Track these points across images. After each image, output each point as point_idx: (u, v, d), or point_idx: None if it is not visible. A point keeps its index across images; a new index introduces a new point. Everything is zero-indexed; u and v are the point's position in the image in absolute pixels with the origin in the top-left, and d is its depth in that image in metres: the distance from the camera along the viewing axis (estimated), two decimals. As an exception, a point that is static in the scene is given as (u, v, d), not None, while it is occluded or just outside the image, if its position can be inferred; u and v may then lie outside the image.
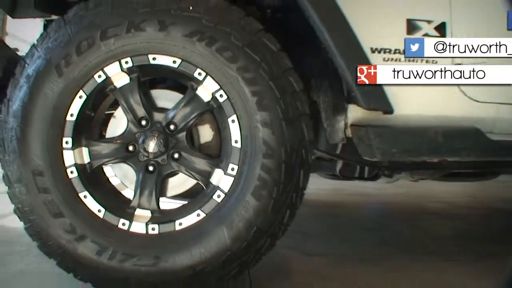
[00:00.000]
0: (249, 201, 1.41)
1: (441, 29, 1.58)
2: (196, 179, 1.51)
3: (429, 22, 1.58)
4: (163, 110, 1.52)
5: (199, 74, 1.43)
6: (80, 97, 1.44)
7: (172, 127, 1.49)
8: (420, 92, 1.61)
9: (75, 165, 1.45)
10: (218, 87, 1.43)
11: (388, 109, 1.56)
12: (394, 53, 1.56)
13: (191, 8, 1.42)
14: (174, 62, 1.42)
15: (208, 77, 1.42)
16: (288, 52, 1.52)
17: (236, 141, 1.44)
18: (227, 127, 1.44)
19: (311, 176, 1.55)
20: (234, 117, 1.43)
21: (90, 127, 1.52)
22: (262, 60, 1.42)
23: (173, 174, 1.54)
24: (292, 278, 1.79)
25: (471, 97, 1.63)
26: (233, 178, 1.44)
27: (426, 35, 1.57)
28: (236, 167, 1.44)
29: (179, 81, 1.52)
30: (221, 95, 1.43)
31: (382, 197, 3.52)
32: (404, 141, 1.58)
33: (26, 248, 1.88)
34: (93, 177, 1.49)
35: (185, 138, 1.50)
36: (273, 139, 1.41)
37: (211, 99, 1.45)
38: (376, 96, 1.53)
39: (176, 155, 1.49)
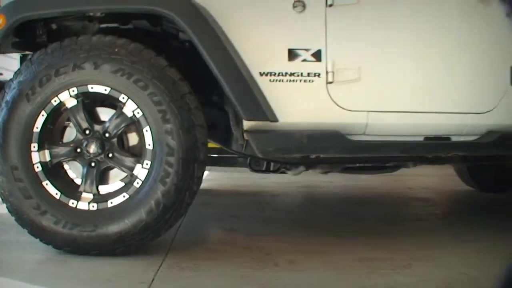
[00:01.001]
0: (157, 186, 2.02)
1: (318, 55, 2.14)
2: (124, 172, 2.13)
3: (307, 50, 2.14)
4: (102, 122, 2.15)
5: (123, 98, 2.04)
6: (43, 115, 2.07)
7: (107, 134, 2.11)
8: (299, 104, 2.19)
9: (40, 162, 2.08)
10: (136, 107, 2.04)
11: (271, 119, 2.14)
12: (279, 75, 2.13)
13: (116, 50, 2.04)
14: (106, 89, 2.05)
15: (129, 100, 2.04)
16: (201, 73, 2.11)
17: (149, 144, 2.05)
18: (143, 134, 2.06)
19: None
20: (147, 127, 2.04)
21: (51, 136, 2.15)
22: (165, 88, 2.03)
23: (110, 168, 2.16)
24: (207, 246, 2.38)
25: (343, 107, 2.19)
26: (147, 170, 2.06)
27: (304, 60, 2.14)
28: (149, 163, 2.05)
29: (112, 102, 2.14)
30: (138, 112, 2.04)
31: (326, 189, 4.09)
32: (276, 142, 2.16)
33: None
34: (53, 170, 2.13)
35: (116, 143, 2.12)
36: (174, 143, 2.02)
37: (132, 115, 2.06)
38: (253, 110, 2.12)
39: (110, 155, 2.11)
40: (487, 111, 2.33)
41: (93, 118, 2.16)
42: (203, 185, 2.33)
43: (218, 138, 2.52)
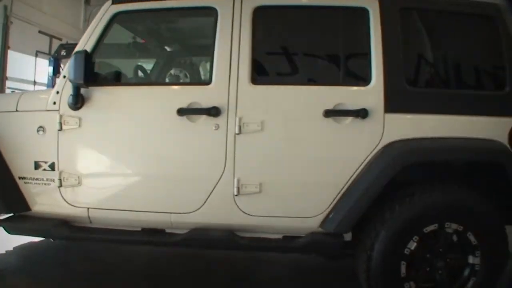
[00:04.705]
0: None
1: (52, 166, 2.94)
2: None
3: (45, 162, 2.95)
4: None
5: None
6: None
7: None
8: (43, 199, 2.96)
9: None
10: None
11: (26, 210, 2.99)
12: (29, 179, 2.98)
13: None
14: None
15: None
16: None
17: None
18: None
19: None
20: None
21: None
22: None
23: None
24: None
25: (70, 203, 2.92)
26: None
27: (44, 169, 2.95)
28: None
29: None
30: None
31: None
32: (31, 224, 3.01)
33: None
34: None
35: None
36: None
37: None
38: (13, 203, 2.99)
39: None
40: (190, 212, 2.80)
41: None
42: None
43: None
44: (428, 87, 2.94)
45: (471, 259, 2.84)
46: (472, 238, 2.79)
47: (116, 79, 2.92)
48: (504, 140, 2.84)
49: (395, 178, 2.74)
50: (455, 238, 2.82)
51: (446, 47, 2.95)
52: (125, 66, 3.23)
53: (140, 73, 3.20)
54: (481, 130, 2.83)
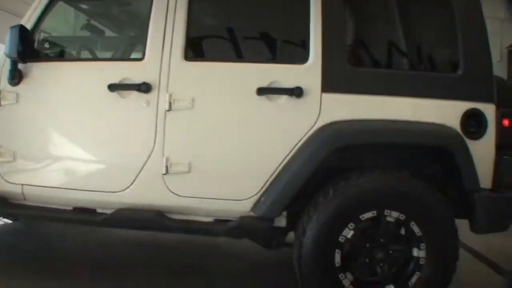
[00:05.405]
0: None
1: None
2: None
3: None
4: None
5: None
6: None
7: None
8: None
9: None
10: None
11: None
12: None
13: None
14: None
15: None
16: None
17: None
18: None
19: None
20: None
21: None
22: None
23: None
24: None
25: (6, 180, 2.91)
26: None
27: None
28: None
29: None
30: None
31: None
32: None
33: None
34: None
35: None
36: None
37: None
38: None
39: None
40: (119, 191, 2.72)
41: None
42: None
43: None
44: (372, 68, 2.79)
45: (415, 252, 2.64)
46: (415, 228, 2.60)
47: (54, 55, 2.90)
48: (456, 125, 2.65)
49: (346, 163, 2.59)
50: (397, 228, 2.64)
51: (392, 27, 2.79)
52: (73, 43, 3.22)
53: (81, 50, 3.19)
54: (431, 114, 2.65)
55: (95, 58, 3.18)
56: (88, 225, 3.28)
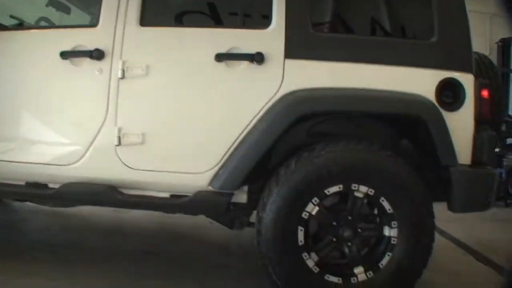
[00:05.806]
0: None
1: None
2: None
3: None
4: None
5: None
6: None
7: None
8: None
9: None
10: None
11: None
12: None
13: None
14: None
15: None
16: None
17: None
18: None
19: None
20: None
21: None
22: None
23: None
24: None
25: None
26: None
27: None
28: None
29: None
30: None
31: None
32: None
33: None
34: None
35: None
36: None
37: None
38: None
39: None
40: (70, 164, 2.55)
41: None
42: None
43: None
44: (340, 33, 2.62)
45: (386, 231, 2.44)
46: (386, 205, 2.40)
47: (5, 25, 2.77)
48: (430, 95, 2.46)
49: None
50: (367, 205, 2.45)
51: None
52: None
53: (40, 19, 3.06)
54: (402, 82, 2.47)
55: (49, 26, 3.04)
56: (38, 201, 3.10)
